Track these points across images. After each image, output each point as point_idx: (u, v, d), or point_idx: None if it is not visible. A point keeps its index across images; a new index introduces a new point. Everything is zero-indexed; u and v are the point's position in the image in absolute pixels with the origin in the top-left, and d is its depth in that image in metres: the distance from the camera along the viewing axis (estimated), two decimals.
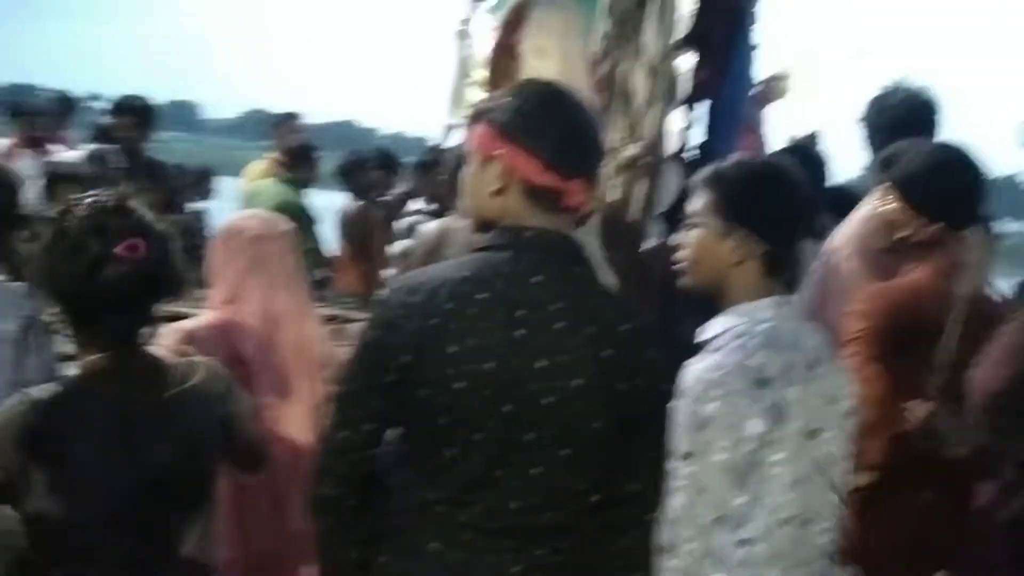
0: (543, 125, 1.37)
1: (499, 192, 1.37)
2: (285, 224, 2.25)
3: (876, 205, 2.03)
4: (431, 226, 3.13)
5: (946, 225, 1.92)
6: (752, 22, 2.82)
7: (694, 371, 1.40)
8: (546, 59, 2.42)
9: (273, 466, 1.80)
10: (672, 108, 2.63)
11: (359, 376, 1.39)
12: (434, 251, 2.93)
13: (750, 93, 3.08)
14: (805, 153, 3.03)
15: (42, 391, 1.46)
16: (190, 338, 1.95)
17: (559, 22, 2.47)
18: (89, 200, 1.48)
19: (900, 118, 2.35)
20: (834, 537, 1.50)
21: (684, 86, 2.72)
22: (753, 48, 2.90)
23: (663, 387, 1.38)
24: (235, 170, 5.77)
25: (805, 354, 1.47)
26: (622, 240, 2.34)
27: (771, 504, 1.41)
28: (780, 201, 1.49)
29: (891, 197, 1.97)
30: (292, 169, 4.82)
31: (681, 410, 1.39)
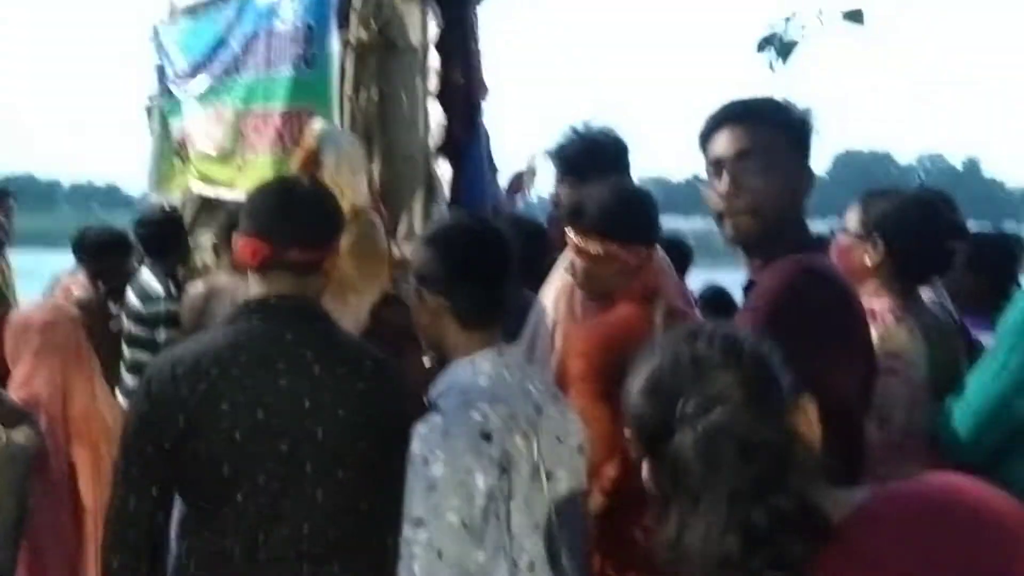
0: (257, 210, 1.63)
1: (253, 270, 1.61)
2: (73, 310, 2.65)
3: (574, 249, 2.04)
4: (198, 287, 3.27)
5: (645, 249, 2.02)
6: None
7: (420, 433, 1.42)
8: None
9: (67, 534, 1.79)
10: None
11: (137, 446, 1.51)
12: (202, 311, 3.12)
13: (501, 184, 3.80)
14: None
15: None
16: None
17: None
18: None
19: (582, 162, 2.39)
20: (582, 571, 1.57)
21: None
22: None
23: (408, 407, 1.55)
24: None
25: (531, 400, 1.52)
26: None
27: (513, 553, 1.43)
28: (465, 259, 1.53)
29: (590, 238, 1.99)
30: None
31: (410, 474, 1.41)
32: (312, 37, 3.78)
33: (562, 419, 1.57)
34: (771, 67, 3.75)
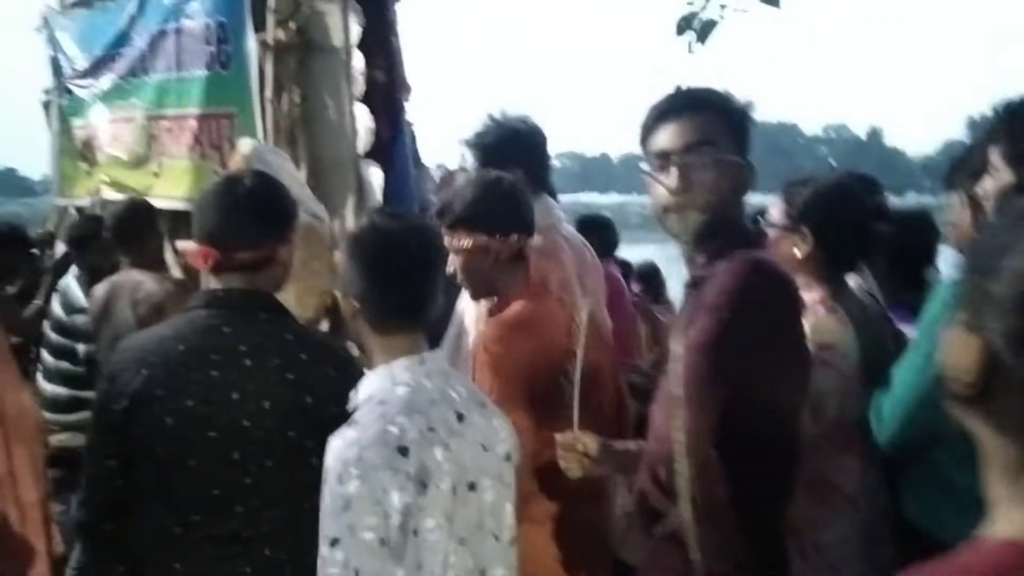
0: (204, 216, 1.70)
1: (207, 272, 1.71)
2: None
3: (449, 248, 2.00)
4: (101, 287, 3.16)
5: (517, 237, 1.97)
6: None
7: (334, 448, 1.39)
8: None
9: (14, 532, 1.89)
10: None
11: (96, 421, 1.69)
12: (104, 310, 3.07)
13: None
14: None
15: None
16: None
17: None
18: None
19: (500, 151, 2.36)
20: None
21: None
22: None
23: (343, 395, 1.52)
24: None
25: (452, 408, 1.48)
26: None
27: (435, 569, 1.39)
28: (374, 262, 1.49)
29: (458, 232, 1.97)
30: None
31: (325, 492, 1.38)
32: (226, 36, 3.59)
33: (487, 426, 1.52)
34: (690, 49, 3.78)
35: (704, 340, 1.41)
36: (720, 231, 1.53)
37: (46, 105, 5.57)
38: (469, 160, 2.48)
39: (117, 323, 3.00)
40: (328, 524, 1.35)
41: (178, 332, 1.65)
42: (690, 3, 3.77)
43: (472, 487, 1.46)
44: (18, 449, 2.23)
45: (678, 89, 1.60)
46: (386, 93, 3.56)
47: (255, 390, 1.60)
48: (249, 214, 1.68)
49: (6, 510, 2.07)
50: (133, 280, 3.06)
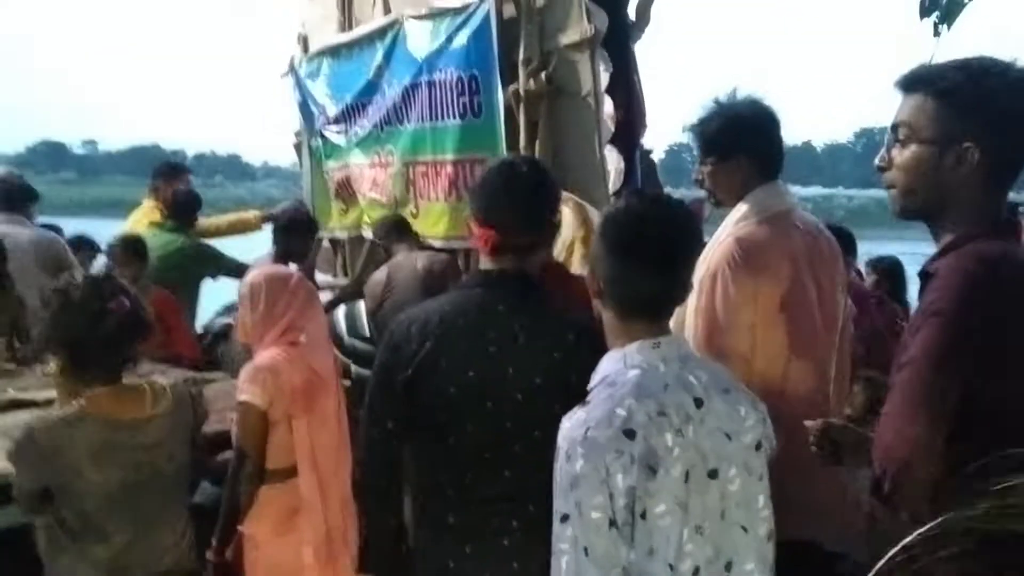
0: (486, 199, 1.81)
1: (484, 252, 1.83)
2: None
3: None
4: (379, 272, 3.87)
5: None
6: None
7: (564, 428, 1.41)
8: None
9: None
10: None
11: (377, 386, 1.82)
12: (386, 289, 3.71)
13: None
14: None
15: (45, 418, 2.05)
16: None
17: None
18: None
19: (723, 140, 2.21)
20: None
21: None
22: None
23: None
24: None
25: (689, 393, 1.43)
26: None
27: (670, 555, 1.37)
28: (623, 247, 1.48)
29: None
30: (174, 219, 4.83)
31: (556, 470, 1.40)
32: (478, 87, 3.87)
33: (730, 412, 1.45)
34: (935, 32, 3.58)
35: (923, 352, 1.34)
36: (943, 216, 1.44)
37: (297, 146, 6.20)
38: (693, 146, 2.34)
39: (399, 292, 3.53)
40: (559, 501, 1.39)
41: (457, 307, 1.77)
42: None
43: (713, 475, 1.41)
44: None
45: (928, 63, 1.51)
46: (625, 130, 3.71)
47: (527, 366, 1.72)
48: (527, 201, 1.78)
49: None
50: (411, 257, 3.74)
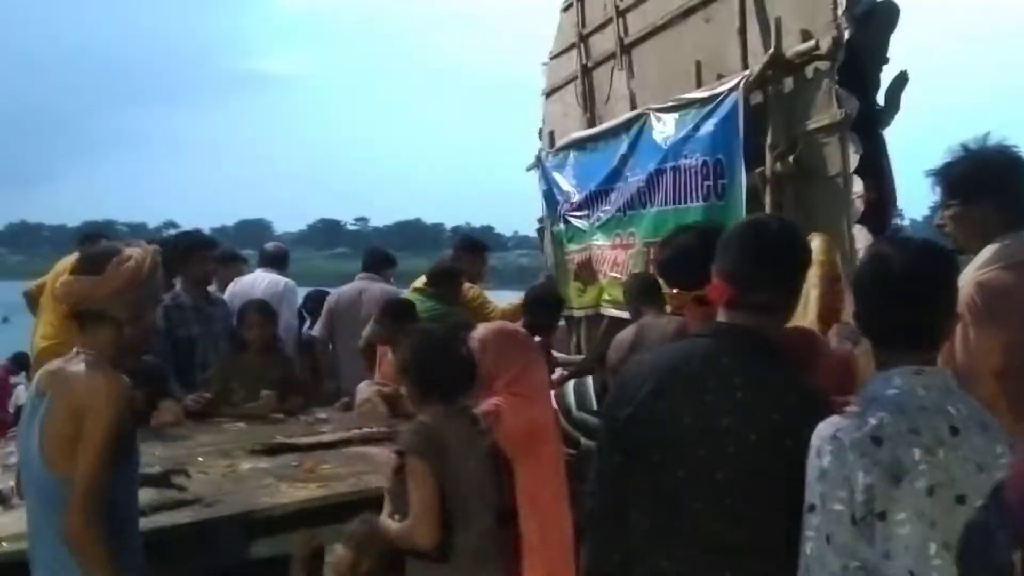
0: (728, 253, 1.82)
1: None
2: None
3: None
4: (627, 331, 3.77)
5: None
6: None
7: (819, 429, 1.53)
8: None
9: None
10: None
11: (605, 423, 1.91)
12: (634, 346, 3.59)
13: None
14: None
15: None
16: None
17: None
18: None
19: (968, 185, 2.20)
20: None
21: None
22: None
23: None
24: (308, 279, 5.82)
25: (946, 421, 1.49)
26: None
27: (906, 564, 1.42)
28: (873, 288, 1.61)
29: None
30: (437, 287, 4.77)
31: (808, 464, 1.53)
32: (722, 171, 4.04)
33: (986, 447, 1.50)
34: None
35: None
36: None
37: (540, 231, 6.67)
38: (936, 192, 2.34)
39: (648, 351, 3.62)
40: (808, 492, 1.52)
41: (683, 354, 1.82)
42: None
43: (961, 500, 1.46)
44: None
45: None
46: (875, 209, 3.69)
47: (744, 421, 1.69)
48: (769, 261, 1.78)
49: None
50: (662, 319, 3.72)
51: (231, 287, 5.15)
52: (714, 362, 1.76)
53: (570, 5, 6.12)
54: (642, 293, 4.10)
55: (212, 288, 4.81)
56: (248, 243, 6.31)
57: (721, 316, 1.83)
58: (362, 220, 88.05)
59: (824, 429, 1.52)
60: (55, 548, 1.98)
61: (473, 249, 5.53)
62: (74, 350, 2.09)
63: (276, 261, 5.54)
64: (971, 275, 2.13)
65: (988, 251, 2.15)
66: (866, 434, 1.46)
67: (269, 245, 5.91)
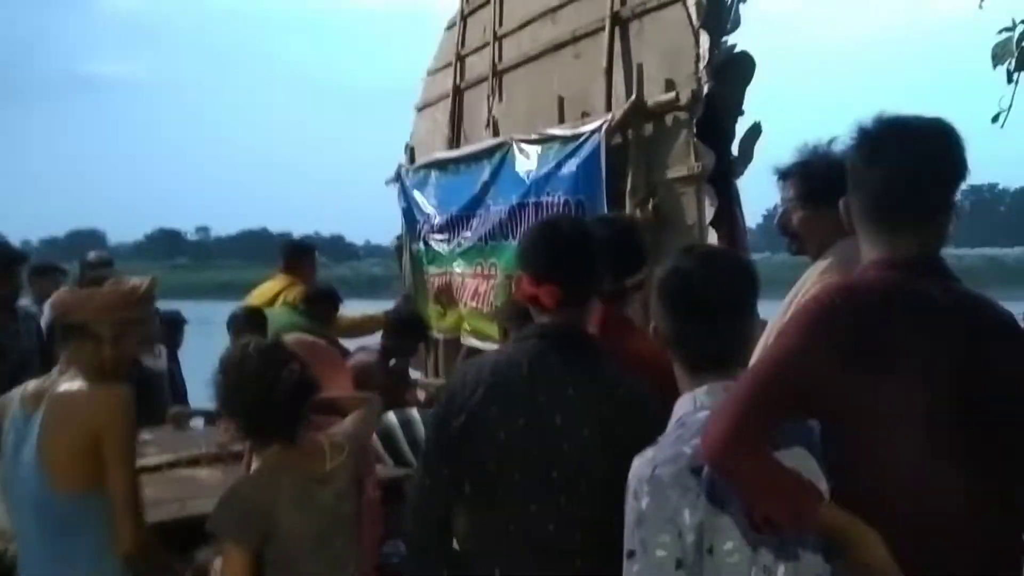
0: (528, 250, 1.90)
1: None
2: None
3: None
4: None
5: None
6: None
7: (634, 466, 1.46)
8: None
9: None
10: None
11: (434, 433, 1.87)
12: None
13: None
14: None
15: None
16: None
17: None
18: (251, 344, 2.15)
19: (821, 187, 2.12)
20: None
21: None
22: None
23: (650, 431, 1.57)
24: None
25: None
26: None
27: None
28: (679, 304, 1.56)
29: None
30: (312, 311, 4.50)
31: (626, 506, 1.45)
32: (584, 213, 4.05)
33: (805, 459, 1.42)
34: (1009, 79, 3.57)
35: None
36: None
37: (398, 249, 6.52)
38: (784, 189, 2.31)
39: None
40: (627, 538, 1.43)
41: (510, 358, 1.82)
42: (1007, 30, 3.61)
43: None
44: None
45: None
46: None
47: (575, 417, 1.73)
48: (585, 254, 1.85)
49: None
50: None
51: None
52: (543, 362, 1.78)
53: (454, 24, 6.01)
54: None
55: (26, 303, 4.64)
56: (80, 255, 5.84)
57: (540, 317, 1.86)
58: (204, 230, 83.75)
59: (641, 467, 1.44)
60: (52, 570, 2.05)
61: (302, 252, 5.40)
62: (55, 369, 2.16)
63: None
64: (813, 278, 2.13)
65: (828, 258, 2.15)
66: (683, 467, 1.40)
67: (91, 255, 5.55)
